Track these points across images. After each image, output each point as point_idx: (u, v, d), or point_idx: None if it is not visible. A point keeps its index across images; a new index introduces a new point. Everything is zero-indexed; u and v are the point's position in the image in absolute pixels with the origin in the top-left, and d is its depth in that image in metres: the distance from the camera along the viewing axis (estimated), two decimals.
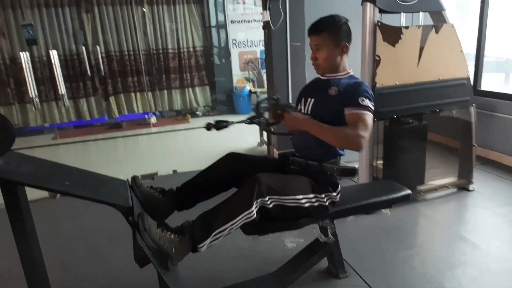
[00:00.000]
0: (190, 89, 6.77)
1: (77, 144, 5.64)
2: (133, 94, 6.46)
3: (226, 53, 6.78)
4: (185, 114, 6.77)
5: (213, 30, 6.84)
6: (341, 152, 1.67)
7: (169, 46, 6.53)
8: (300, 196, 1.56)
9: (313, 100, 1.68)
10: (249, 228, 1.60)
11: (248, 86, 6.74)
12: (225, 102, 6.89)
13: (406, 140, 2.66)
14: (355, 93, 1.57)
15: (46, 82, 5.94)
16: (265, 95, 4.32)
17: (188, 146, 5.13)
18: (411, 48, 2.42)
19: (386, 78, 2.40)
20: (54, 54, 3.90)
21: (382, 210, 2.35)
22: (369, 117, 1.54)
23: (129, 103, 6.47)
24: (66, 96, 4.04)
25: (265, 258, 2.06)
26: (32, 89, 3.40)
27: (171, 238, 1.36)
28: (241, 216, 1.44)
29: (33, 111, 5.88)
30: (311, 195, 1.60)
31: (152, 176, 3.59)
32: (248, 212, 1.44)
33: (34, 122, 6.03)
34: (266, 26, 3.64)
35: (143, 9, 6.27)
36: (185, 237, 1.39)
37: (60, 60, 5.95)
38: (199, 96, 6.84)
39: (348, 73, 1.70)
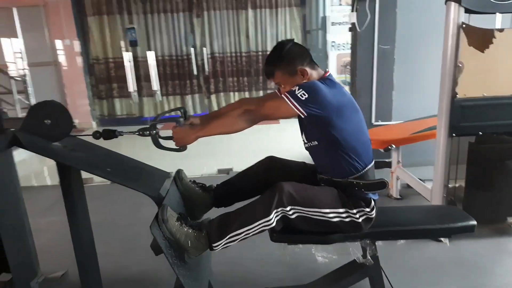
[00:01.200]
0: None
1: None
2: (231, 93, 6.86)
3: (323, 55, 6.66)
4: None
5: (313, 33, 6.78)
6: (362, 165, 1.52)
7: (268, 48, 6.72)
8: (327, 210, 1.47)
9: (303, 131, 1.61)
10: (276, 236, 1.57)
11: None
12: None
13: (497, 162, 2.26)
14: None
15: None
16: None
17: (271, 146, 5.21)
18: (507, 54, 2.04)
19: (471, 88, 2.07)
20: (151, 55, 4.37)
21: (441, 239, 2.08)
22: (281, 102, 1.40)
23: (227, 101, 6.88)
24: (159, 92, 4.50)
25: (306, 268, 1.99)
26: (131, 85, 3.87)
27: (188, 232, 1.42)
28: (258, 223, 1.43)
29: (148, 104, 6.73)
30: (341, 210, 1.49)
31: (228, 171, 3.76)
32: (266, 220, 1.42)
33: (148, 113, 6.87)
34: (352, 28, 3.48)
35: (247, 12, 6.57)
36: (202, 233, 1.45)
37: (171, 60, 6.70)
38: None
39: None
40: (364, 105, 3.51)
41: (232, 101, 6.85)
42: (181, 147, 1.53)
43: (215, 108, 6.82)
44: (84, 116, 6.81)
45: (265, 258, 2.11)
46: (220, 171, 3.79)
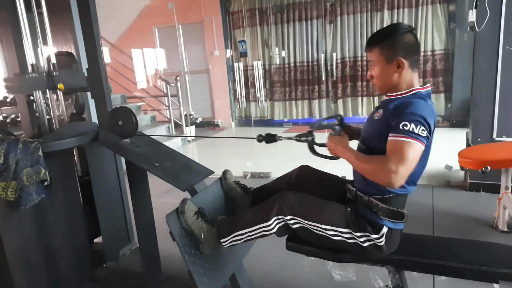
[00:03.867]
0: None
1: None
2: (360, 98, 6.64)
3: (470, 56, 5.74)
4: None
5: (460, 32, 5.92)
6: (394, 190, 1.38)
7: None
8: (326, 227, 1.44)
9: (365, 124, 1.48)
10: (290, 245, 1.62)
11: None
12: (461, 114, 5.89)
13: None
14: (399, 115, 1.28)
15: (286, 85, 7.08)
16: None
17: None
18: None
19: None
20: (257, 64, 4.70)
21: (494, 284, 1.68)
22: (409, 146, 1.22)
23: (354, 106, 6.70)
24: (263, 98, 4.80)
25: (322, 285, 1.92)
26: (240, 91, 4.29)
27: (202, 225, 1.62)
28: (258, 227, 1.51)
29: (278, 107, 7.18)
30: (344, 230, 1.43)
31: None
32: (265, 225, 1.50)
33: (278, 116, 7.31)
34: (473, 27, 2.99)
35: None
36: (213, 228, 1.61)
37: (302, 66, 6.95)
38: None
39: (413, 90, 1.36)
40: (483, 117, 2.98)
41: (360, 106, 6.63)
42: (335, 156, 1.53)
43: (341, 113, 6.73)
44: (225, 116, 7.75)
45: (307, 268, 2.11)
46: None
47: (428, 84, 1.42)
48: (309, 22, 6.83)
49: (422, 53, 6.13)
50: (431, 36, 6.03)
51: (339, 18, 6.57)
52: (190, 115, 6.70)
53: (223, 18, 7.38)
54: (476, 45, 2.95)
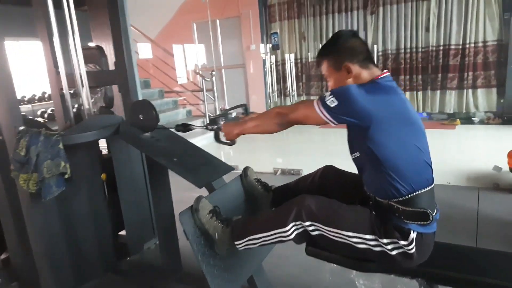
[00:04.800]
0: (470, 91, 5.78)
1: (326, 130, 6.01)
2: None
3: None
4: (456, 118, 5.87)
5: None
6: (408, 189, 1.27)
7: (452, 42, 5.81)
8: (350, 234, 1.31)
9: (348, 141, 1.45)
10: (310, 250, 1.52)
11: None
12: None
13: None
14: None
15: (323, 79, 6.78)
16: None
17: None
18: None
19: None
20: (290, 58, 4.54)
21: None
22: (309, 103, 1.32)
23: None
24: (294, 93, 4.63)
25: None
26: (271, 85, 4.15)
27: (216, 225, 1.54)
28: (274, 232, 1.41)
29: None
30: (369, 237, 1.30)
31: None
32: (282, 230, 1.39)
33: None
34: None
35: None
36: (227, 229, 1.53)
37: None
38: (481, 99, 5.72)
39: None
40: None
41: None
42: (230, 142, 1.66)
43: None
44: (261, 111, 7.64)
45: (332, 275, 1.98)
46: None
47: (385, 70, 1.38)
48: (349, 13, 6.58)
49: (472, 44, 5.68)
50: (483, 26, 5.58)
51: (381, 8, 6.27)
52: (223, 109, 6.68)
53: (260, 11, 7.28)
54: (509, 32, 2.63)
